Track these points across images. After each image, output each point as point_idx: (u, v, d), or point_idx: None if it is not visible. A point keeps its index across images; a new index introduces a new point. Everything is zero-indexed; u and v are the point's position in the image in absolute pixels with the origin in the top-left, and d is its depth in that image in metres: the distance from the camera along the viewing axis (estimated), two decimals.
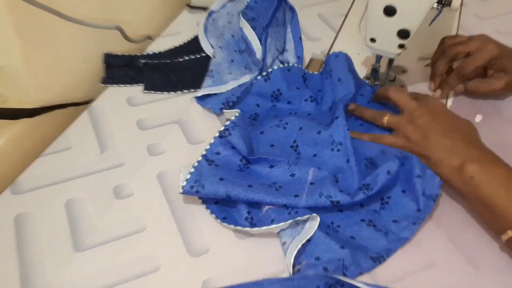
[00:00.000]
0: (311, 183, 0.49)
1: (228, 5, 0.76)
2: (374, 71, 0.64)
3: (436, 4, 0.54)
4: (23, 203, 0.50)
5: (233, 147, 0.51)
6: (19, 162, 0.54)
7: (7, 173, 0.53)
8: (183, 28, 0.76)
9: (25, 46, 0.52)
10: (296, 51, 0.66)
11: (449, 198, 0.51)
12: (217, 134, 0.52)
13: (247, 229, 0.46)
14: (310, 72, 0.62)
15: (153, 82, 0.65)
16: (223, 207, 0.50)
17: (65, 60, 0.61)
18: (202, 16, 0.75)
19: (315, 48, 0.71)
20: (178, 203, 0.50)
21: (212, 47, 0.70)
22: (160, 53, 0.71)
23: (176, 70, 0.67)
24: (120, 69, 0.67)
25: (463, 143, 0.49)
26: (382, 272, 0.45)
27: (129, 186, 0.52)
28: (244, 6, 0.69)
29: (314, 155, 0.53)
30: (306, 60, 0.69)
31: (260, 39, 0.64)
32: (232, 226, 0.47)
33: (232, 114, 0.56)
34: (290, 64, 0.61)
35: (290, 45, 0.67)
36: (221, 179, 0.48)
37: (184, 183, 0.48)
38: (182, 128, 0.59)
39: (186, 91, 0.65)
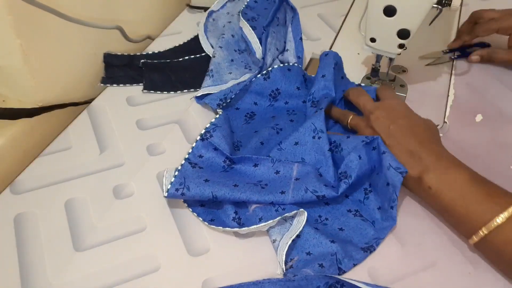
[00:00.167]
0: (296, 179, 0.49)
1: (228, 5, 0.76)
2: (374, 71, 0.64)
3: (436, 4, 0.54)
4: (23, 203, 0.50)
5: (215, 149, 0.52)
6: (18, 162, 0.54)
7: (6, 173, 0.53)
8: (183, 28, 0.76)
9: (25, 46, 0.52)
10: (296, 51, 0.66)
11: None
12: (198, 137, 0.52)
13: (235, 229, 0.46)
14: (309, 73, 0.62)
15: (152, 82, 0.65)
16: (210, 209, 0.50)
17: (65, 60, 0.60)
18: (202, 16, 0.75)
19: (315, 48, 0.71)
20: (178, 203, 0.50)
21: (212, 46, 0.70)
22: (160, 53, 0.71)
23: (176, 70, 0.67)
24: (120, 69, 0.67)
25: (421, 150, 0.48)
26: (382, 272, 0.45)
27: (129, 186, 0.52)
28: (244, 6, 0.69)
29: (296, 143, 0.52)
30: (306, 60, 0.69)
31: (260, 39, 0.64)
32: (220, 228, 0.47)
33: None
34: (291, 64, 0.61)
35: (290, 45, 0.67)
36: (206, 180, 0.48)
37: (169, 186, 0.47)
38: (182, 128, 0.59)
39: (186, 91, 0.65)
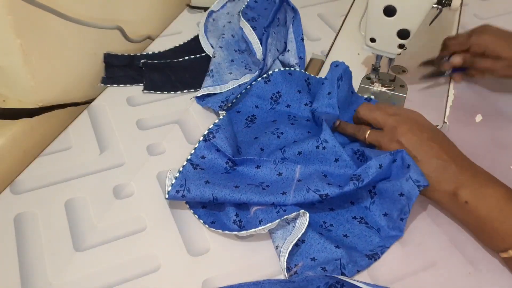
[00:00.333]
0: (298, 180, 0.49)
1: (228, 5, 0.76)
2: (374, 71, 0.64)
3: (436, 4, 0.54)
4: (23, 203, 0.50)
5: (218, 150, 0.51)
6: (18, 162, 0.55)
7: (6, 173, 0.53)
8: (183, 28, 0.76)
9: (25, 46, 0.52)
10: (298, 51, 0.66)
11: None
12: (201, 138, 0.52)
13: (235, 233, 0.46)
14: (311, 73, 0.62)
15: (153, 82, 0.65)
16: (211, 211, 0.49)
17: (65, 60, 0.60)
18: (202, 16, 0.75)
19: (315, 48, 0.71)
20: (178, 203, 0.50)
21: (212, 47, 0.70)
22: (160, 53, 0.71)
23: (176, 70, 0.67)
24: (120, 69, 0.67)
25: (453, 165, 0.47)
26: (382, 272, 0.45)
27: (129, 186, 0.52)
28: (244, 6, 0.69)
29: (299, 153, 0.52)
30: (306, 60, 0.69)
31: (260, 39, 0.64)
32: (220, 231, 0.47)
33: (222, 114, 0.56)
34: (292, 65, 0.61)
35: (291, 46, 0.67)
36: (207, 182, 0.47)
37: (170, 188, 0.47)
38: (182, 128, 0.59)
39: (186, 91, 0.65)
